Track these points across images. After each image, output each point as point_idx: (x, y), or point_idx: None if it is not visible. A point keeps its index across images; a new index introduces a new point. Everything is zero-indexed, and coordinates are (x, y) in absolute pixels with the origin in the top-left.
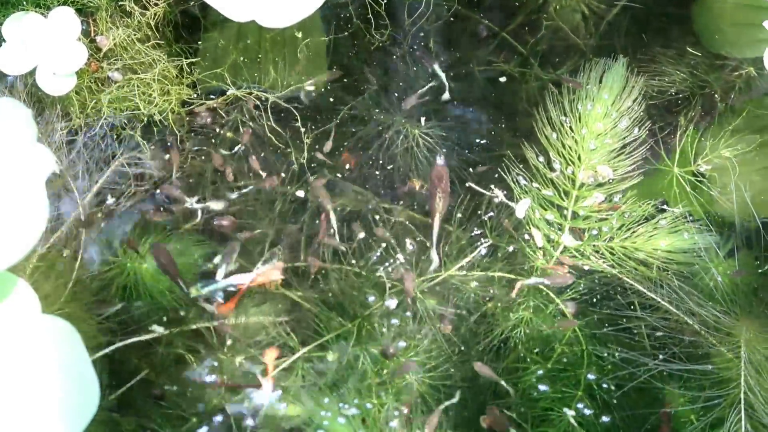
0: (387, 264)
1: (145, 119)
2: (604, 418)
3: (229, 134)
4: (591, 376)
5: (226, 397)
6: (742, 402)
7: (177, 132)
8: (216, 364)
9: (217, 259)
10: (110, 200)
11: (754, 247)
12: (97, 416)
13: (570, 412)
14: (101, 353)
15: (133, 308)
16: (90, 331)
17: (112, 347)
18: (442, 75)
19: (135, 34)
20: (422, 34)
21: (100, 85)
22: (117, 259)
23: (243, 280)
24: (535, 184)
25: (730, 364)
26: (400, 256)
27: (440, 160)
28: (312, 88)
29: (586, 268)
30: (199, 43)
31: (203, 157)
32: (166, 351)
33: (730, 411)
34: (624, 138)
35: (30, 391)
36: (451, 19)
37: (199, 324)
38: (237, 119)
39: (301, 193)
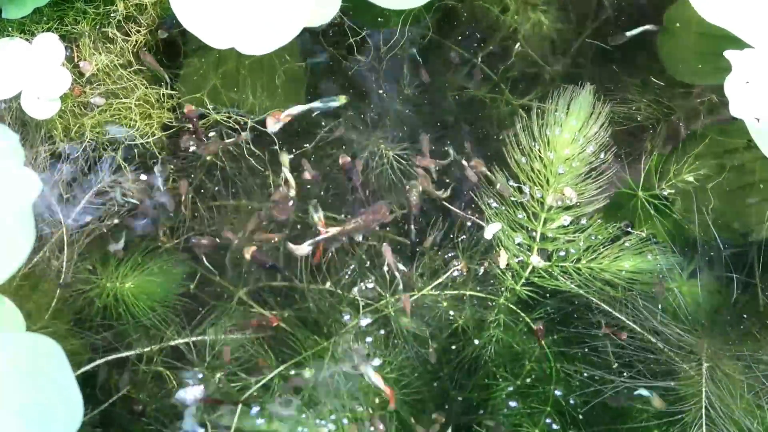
0: (361, 283)
1: (126, 142)
2: None
3: (208, 157)
4: (558, 393)
5: (206, 412)
6: (704, 417)
7: (158, 155)
8: (196, 379)
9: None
10: (93, 221)
11: (715, 268)
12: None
13: None
14: (83, 370)
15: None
16: (73, 349)
17: (93, 364)
18: None
19: (117, 60)
20: (397, 60)
21: (83, 109)
22: (98, 278)
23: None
24: (505, 207)
25: (692, 380)
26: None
27: (382, 202)
28: (278, 125)
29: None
30: (180, 69)
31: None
32: (147, 368)
33: (692, 426)
34: (590, 162)
35: (14, 407)
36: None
37: (179, 341)
38: (216, 143)
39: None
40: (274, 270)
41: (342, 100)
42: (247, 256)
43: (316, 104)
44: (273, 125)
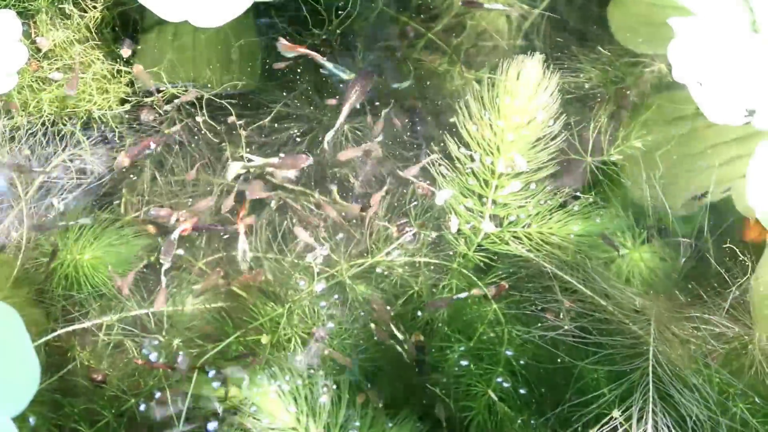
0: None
1: (85, 116)
2: (522, 391)
3: (166, 131)
4: (509, 353)
5: (164, 378)
6: (650, 374)
7: (115, 129)
8: (154, 347)
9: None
10: (53, 197)
11: (665, 234)
12: (39, 398)
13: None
14: (44, 339)
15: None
16: (34, 318)
17: (53, 334)
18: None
19: (74, 36)
20: (351, 34)
21: (41, 84)
22: (59, 250)
23: None
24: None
25: (641, 340)
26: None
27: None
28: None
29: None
30: (137, 44)
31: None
32: (107, 337)
33: (639, 383)
34: (541, 130)
35: None
36: (378, 20)
37: (140, 311)
38: (173, 116)
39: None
40: (218, 232)
41: (350, 76)
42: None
43: (329, 65)
44: (286, 51)
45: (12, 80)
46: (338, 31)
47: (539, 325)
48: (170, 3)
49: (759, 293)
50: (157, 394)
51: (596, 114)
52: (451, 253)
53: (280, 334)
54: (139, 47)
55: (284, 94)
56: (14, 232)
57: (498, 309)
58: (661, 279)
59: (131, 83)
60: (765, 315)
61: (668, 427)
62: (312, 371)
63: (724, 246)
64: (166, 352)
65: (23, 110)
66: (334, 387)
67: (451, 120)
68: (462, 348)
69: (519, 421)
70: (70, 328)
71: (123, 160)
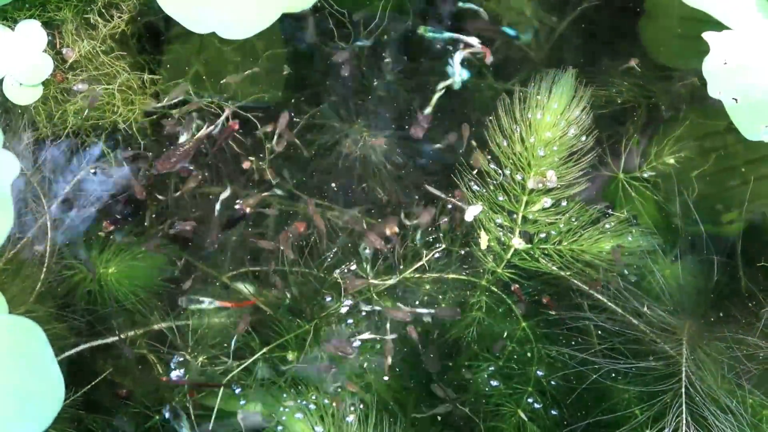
0: (344, 267)
1: (110, 128)
2: (553, 412)
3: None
4: (540, 373)
5: (189, 395)
6: (683, 395)
7: (140, 141)
8: (179, 363)
9: None
10: (76, 207)
11: (697, 251)
12: (63, 413)
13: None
14: (67, 354)
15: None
16: (57, 333)
17: (77, 348)
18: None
19: (99, 47)
20: (380, 46)
21: (65, 95)
22: (81, 263)
23: None
24: (486, 190)
25: (673, 360)
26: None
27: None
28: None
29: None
30: (163, 54)
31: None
32: (131, 352)
33: (672, 404)
34: (572, 146)
35: None
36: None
37: (163, 324)
38: (199, 128)
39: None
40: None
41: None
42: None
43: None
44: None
45: (37, 91)
46: (365, 44)
47: (571, 343)
48: (198, 14)
49: None
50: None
51: (628, 129)
52: (480, 270)
53: (306, 350)
54: (164, 58)
55: (310, 106)
56: (38, 246)
57: (527, 326)
58: (693, 297)
59: (157, 95)
60: None
61: None
62: (339, 389)
63: (759, 264)
64: (191, 367)
65: (48, 121)
66: (361, 406)
67: (481, 134)
68: (491, 367)
69: None
70: (94, 343)
71: (163, 164)
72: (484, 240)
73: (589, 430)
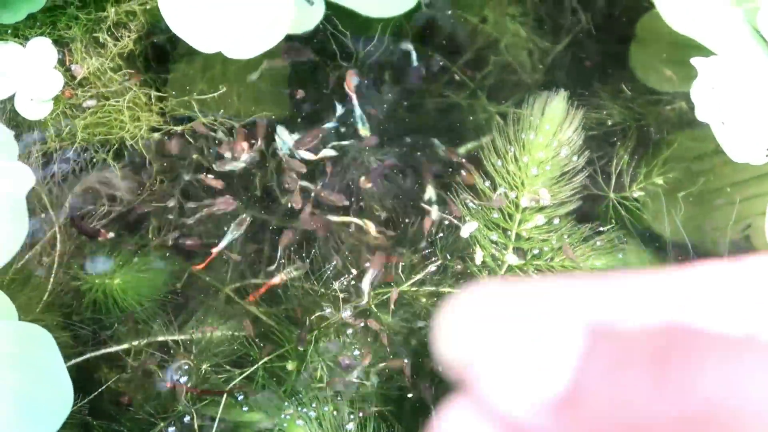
0: (342, 279)
1: (117, 143)
2: None
3: (195, 156)
4: None
5: (191, 402)
6: None
7: (146, 156)
8: (182, 371)
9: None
10: (84, 219)
11: None
12: (71, 420)
13: None
14: (74, 362)
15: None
16: (63, 342)
17: (83, 357)
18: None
19: (108, 64)
20: (377, 67)
21: (74, 110)
22: (88, 274)
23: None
24: (482, 208)
25: None
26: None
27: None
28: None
29: None
30: (169, 73)
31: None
32: (135, 361)
33: None
34: (564, 166)
35: (5, 393)
36: (405, 54)
37: (167, 336)
38: (203, 144)
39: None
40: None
41: (366, 133)
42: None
43: (358, 111)
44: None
45: (47, 107)
46: (365, 65)
47: None
48: (204, 34)
49: None
50: (186, 418)
51: (618, 150)
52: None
53: (306, 361)
54: (170, 76)
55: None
56: (46, 257)
57: None
58: None
59: (163, 112)
60: None
61: None
62: (339, 398)
63: None
64: (195, 376)
65: (56, 136)
66: (360, 414)
67: (476, 154)
68: None
69: None
70: (99, 352)
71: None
72: (479, 255)
73: None
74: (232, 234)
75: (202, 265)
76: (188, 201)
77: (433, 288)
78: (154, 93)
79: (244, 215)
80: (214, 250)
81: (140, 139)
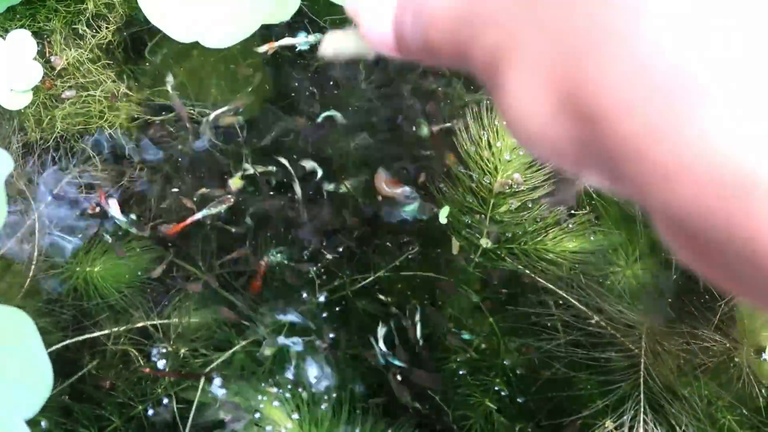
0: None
1: (96, 133)
2: (519, 399)
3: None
4: (506, 362)
5: (170, 386)
6: (641, 385)
7: (125, 145)
8: (161, 356)
9: None
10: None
11: (656, 253)
12: (52, 403)
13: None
14: (54, 348)
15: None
16: (44, 328)
17: (63, 342)
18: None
19: (87, 55)
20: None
21: (54, 101)
22: (70, 262)
23: None
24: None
25: (632, 353)
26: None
27: None
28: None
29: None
30: (147, 63)
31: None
32: (114, 346)
33: (631, 393)
34: None
35: None
36: None
37: (147, 322)
38: (180, 134)
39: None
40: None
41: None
42: None
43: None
44: None
45: (27, 97)
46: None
47: (535, 338)
48: (181, 24)
49: (746, 308)
50: (164, 401)
51: None
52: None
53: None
54: (148, 67)
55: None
56: (26, 245)
57: (493, 323)
58: (653, 295)
59: (140, 103)
60: (751, 329)
61: None
62: (315, 380)
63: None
64: (173, 360)
65: (36, 126)
66: (334, 396)
67: (451, 140)
68: (459, 359)
69: (517, 430)
70: (80, 338)
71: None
72: (455, 245)
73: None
74: (209, 210)
75: (174, 229)
76: (170, 187)
77: (412, 273)
78: (132, 83)
79: (229, 195)
80: (190, 219)
81: (119, 128)
